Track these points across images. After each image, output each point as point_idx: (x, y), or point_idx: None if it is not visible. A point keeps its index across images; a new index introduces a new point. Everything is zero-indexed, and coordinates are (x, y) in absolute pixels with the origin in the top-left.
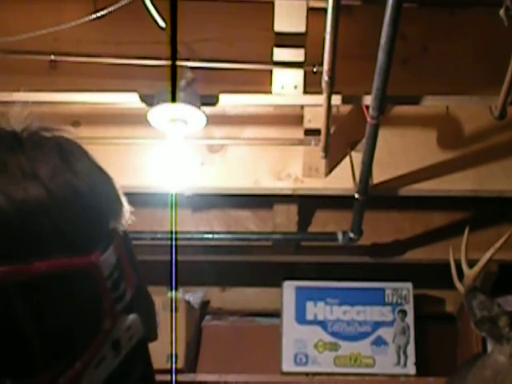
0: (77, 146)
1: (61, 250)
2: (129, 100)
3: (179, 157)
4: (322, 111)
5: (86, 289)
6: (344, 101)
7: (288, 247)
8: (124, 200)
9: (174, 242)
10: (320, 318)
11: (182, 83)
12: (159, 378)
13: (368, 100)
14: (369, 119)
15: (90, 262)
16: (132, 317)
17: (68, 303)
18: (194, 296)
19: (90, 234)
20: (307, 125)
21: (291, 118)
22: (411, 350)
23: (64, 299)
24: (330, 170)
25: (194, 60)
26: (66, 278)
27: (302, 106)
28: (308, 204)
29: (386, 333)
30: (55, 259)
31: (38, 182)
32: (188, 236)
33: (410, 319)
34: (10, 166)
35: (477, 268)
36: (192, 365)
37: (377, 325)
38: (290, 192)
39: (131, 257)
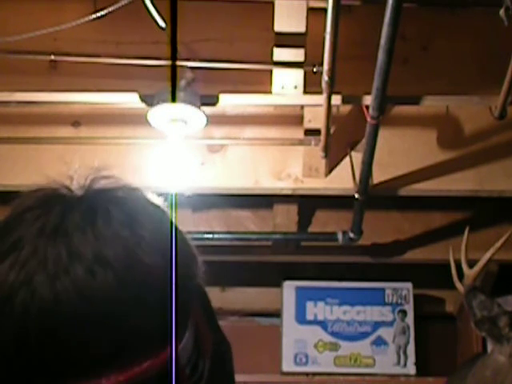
0: (142, 201)
1: (144, 347)
2: (129, 100)
3: (179, 157)
4: (322, 111)
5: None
6: (344, 101)
7: (288, 247)
8: (196, 251)
9: (173, 242)
10: (320, 317)
11: (182, 83)
12: None
13: (368, 100)
14: (369, 119)
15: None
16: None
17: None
18: None
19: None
20: (307, 125)
21: (291, 117)
22: (411, 350)
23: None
24: (330, 170)
25: (194, 60)
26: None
27: (302, 106)
28: (308, 204)
29: (386, 333)
30: (149, 359)
31: (109, 268)
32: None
33: (410, 319)
34: (78, 246)
35: (477, 268)
36: None
37: (377, 325)
38: (290, 192)
39: (207, 312)
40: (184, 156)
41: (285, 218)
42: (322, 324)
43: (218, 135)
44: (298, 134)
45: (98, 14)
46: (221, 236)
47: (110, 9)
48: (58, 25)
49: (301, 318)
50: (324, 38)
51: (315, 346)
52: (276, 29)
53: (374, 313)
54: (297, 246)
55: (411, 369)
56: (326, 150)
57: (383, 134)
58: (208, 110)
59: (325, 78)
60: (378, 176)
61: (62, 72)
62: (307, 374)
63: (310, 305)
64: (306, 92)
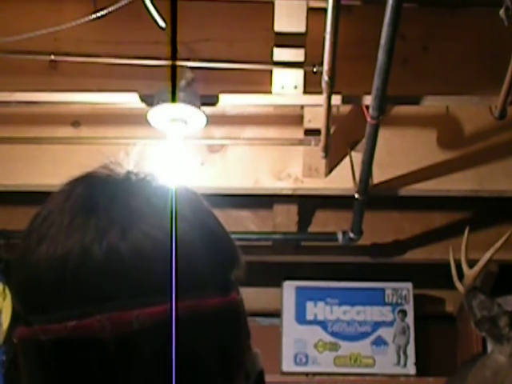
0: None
1: (215, 288)
2: (129, 100)
3: (179, 157)
4: (322, 111)
5: (236, 323)
6: (344, 101)
7: (288, 247)
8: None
9: (173, 242)
10: (320, 317)
11: (181, 83)
12: None
13: (368, 100)
14: (369, 119)
15: (238, 298)
16: (257, 351)
17: (226, 337)
18: None
19: (229, 275)
20: (307, 125)
21: (291, 117)
22: (411, 350)
23: (225, 332)
24: (330, 170)
25: (194, 60)
26: (221, 314)
27: (302, 106)
28: (308, 204)
29: (385, 333)
30: (214, 297)
31: (185, 220)
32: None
33: (409, 319)
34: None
35: (477, 268)
36: None
37: (377, 325)
38: (290, 192)
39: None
40: (184, 156)
41: (285, 218)
42: (322, 324)
43: (218, 135)
44: (298, 133)
45: (98, 14)
46: None
47: (110, 9)
48: (58, 25)
49: (301, 318)
50: (324, 38)
51: (315, 345)
52: (276, 29)
53: (373, 313)
54: (297, 246)
55: (411, 369)
56: (326, 149)
57: (383, 134)
58: (208, 109)
59: (325, 78)
60: (378, 176)
61: (62, 72)
62: (307, 374)
63: (309, 305)
64: (305, 92)
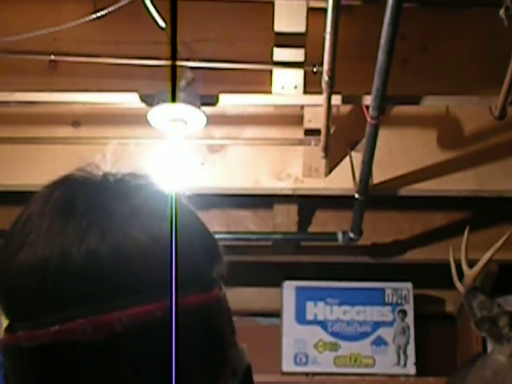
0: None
1: (198, 285)
2: (129, 100)
3: (179, 157)
4: (322, 111)
5: (219, 320)
6: (344, 101)
7: (288, 247)
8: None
9: (173, 243)
10: (320, 318)
11: (182, 83)
12: None
13: (368, 100)
14: (369, 119)
15: (220, 295)
16: (243, 346)
17: (209, 334)
18: None
19: (211, 273)
20: (307, 125)
21: (291, 117)
22: (411, 350)
23: (207, 330)
24: (330, 170)
25: (194, 60)
26: (205, 311)
27: (302, 106)
28: (308, 204)
29: (385, 333)
30: (197, 294)
31: (166, 220)
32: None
33: (409, 319)
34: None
35: (477, 268)
36: None
37: (377, 325)
38: (290, 192)
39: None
40: (184, 156)
41: (285, 218)
42: (322, 324)
43: (218, 135)
44: (298, 133)
45: (98, 14)
46: (221, 236)
47: (110, 9)
48: (58, 25)
49: (301, 318)
50: (324, 38)
51: (315, 346)
52: (276, 29)
53: (373, 313)
54: (297, 246)
55: (411, 369)
56: (326, 149)
57: (383, 134)
58: (208, 110)
59: (325, 78)
60: (378, 176)
61: (62, 72)
62: (307, 374)
63: (309, 305)
64: (305, 92)
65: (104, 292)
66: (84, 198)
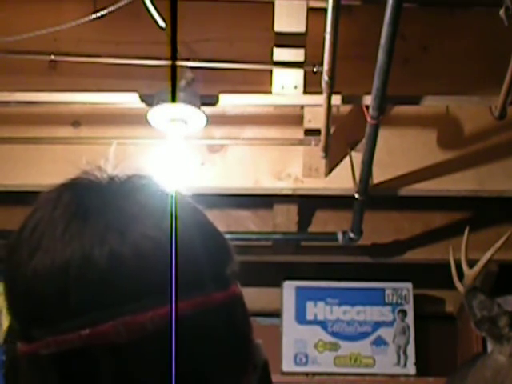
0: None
1: (216, 283)
2: (129, 100)
3: (179, 157)
4: (322, 111)
5: (240, 317)
6: (344, 101)
7: (288, 247)
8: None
9: (173, 243)
10: (320, 318)
11: (181, 83)
12: None
13: (368, 100)
14: (369, 119)
15: (238, 292)
16: (259, 342)
17: (232, 331)
18: None
19: (226, 270)
20: (307, 125)
21: (291, 117)
22: (411, 349)
23: (231, 327)
24: (330, 170)
25: (194, 60)
26: (227, 308)
27: (302, 106)
28: (308, 204)
29: (385, 333)
30: (217, 292)
31: (179, 219)
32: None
33: (409, 319)
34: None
35: (477, 268)
36: None
37: (377, 325)
38: (290, 192)
39: None
40: (184, 156)
41: (285, 218)
42: (322, 324)
43: (218, 135)
44: (298, 133)
45: (98, 14)
46: None
47: (110, 9)
48: (58, 25)
49: (301, 318)
50: (324, 38)
51: (315, 345)
52: (276, 29)
53: (373, 313)
54: (297, 246)
55: (411, 369)
56: (326, 150)
57: (383, 134)
58: (208, 110)
59: (325, 78)
60: (378, 176)
61: (62, 72)
62: (307, 374)
63: (309, 305)
64: (305, 92)
65: (130, 293)
66: (95, 201)
